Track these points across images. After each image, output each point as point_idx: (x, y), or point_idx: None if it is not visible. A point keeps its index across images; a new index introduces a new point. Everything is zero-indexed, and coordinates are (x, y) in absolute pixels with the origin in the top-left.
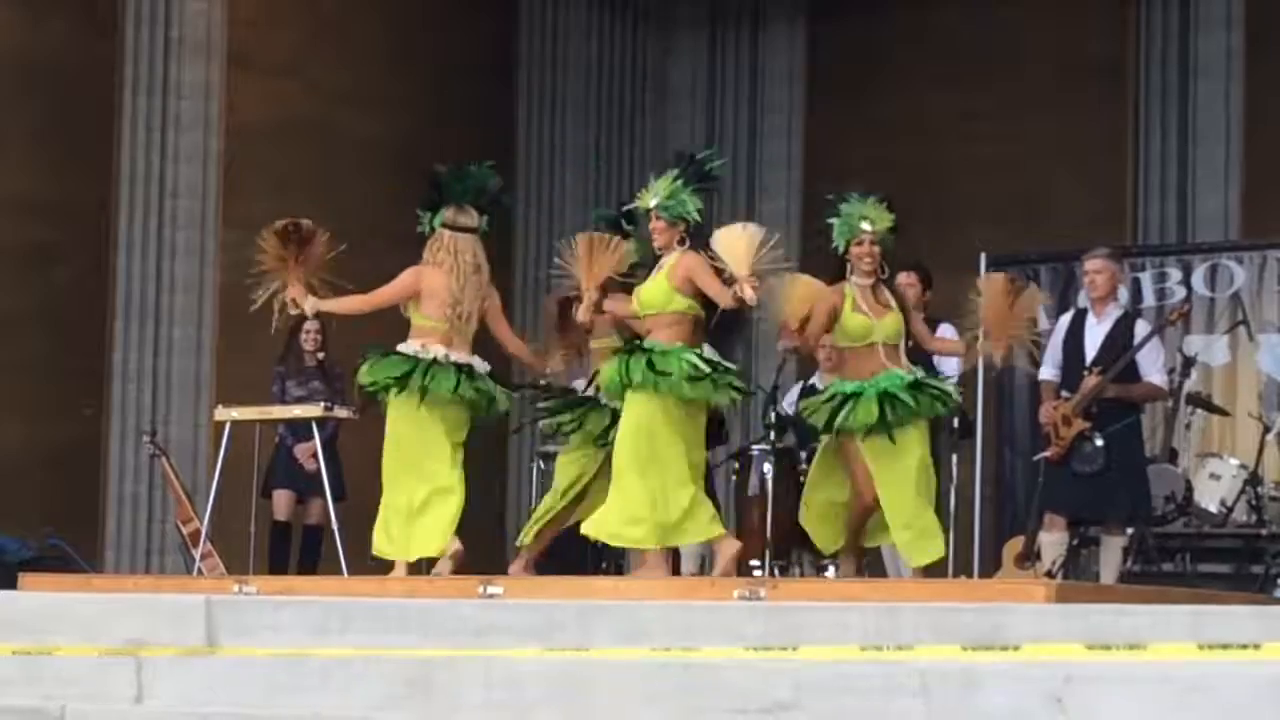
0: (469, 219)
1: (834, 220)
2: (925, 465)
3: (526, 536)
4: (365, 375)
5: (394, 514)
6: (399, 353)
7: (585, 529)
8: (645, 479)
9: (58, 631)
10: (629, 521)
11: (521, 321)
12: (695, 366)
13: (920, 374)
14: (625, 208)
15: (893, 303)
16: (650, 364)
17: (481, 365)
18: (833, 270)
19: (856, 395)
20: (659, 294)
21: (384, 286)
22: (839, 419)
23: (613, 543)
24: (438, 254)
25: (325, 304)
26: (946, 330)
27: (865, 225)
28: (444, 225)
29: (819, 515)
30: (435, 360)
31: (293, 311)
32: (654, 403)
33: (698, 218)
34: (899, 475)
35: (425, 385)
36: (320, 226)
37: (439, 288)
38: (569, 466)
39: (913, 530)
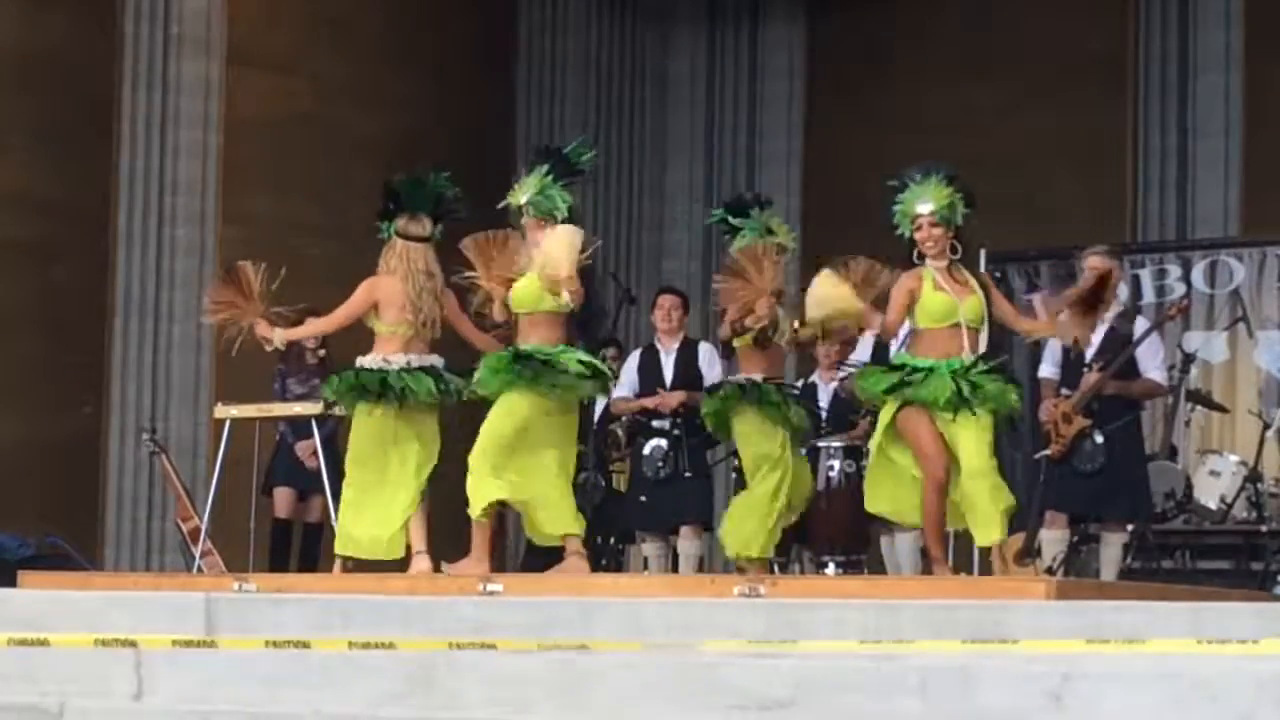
0: (420, 228)
1: (897, 207)
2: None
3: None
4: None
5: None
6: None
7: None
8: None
9: (57, 629)
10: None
11: None
12: (584, 365)
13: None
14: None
15: (973, 283)
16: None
17: (439, 361)
18: (902, 257)
19: (929, 370)
20: (531, 293)
21: (341, 305)
22: (908, 391)
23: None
24: (390, 261)
25: (292, 333)
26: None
27: (921, 208)
28: (396, 233)
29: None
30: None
31: (268, 349)
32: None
33: (566, 213)
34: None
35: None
36: (319, 223)
37: (395, 294)
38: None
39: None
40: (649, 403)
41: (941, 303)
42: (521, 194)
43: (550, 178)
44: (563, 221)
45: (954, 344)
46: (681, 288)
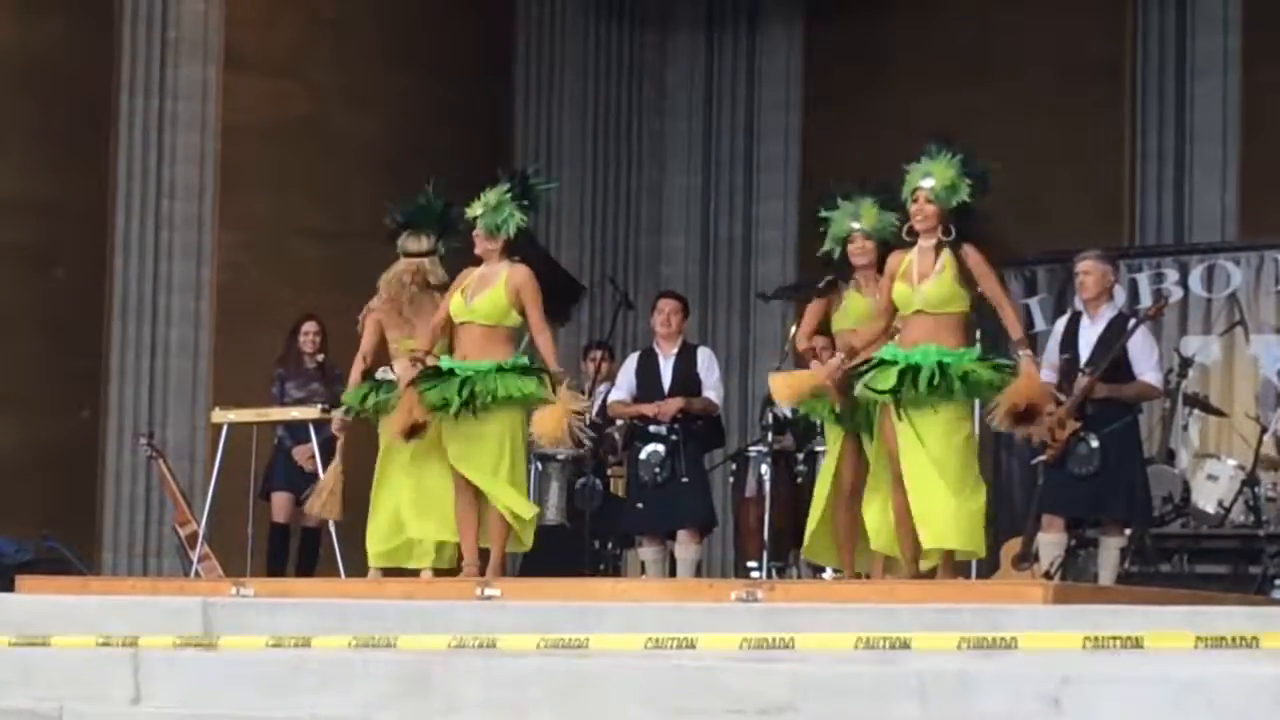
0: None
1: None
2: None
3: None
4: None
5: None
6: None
7: None
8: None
9: (54, 634)
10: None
11: None
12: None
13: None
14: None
15: (948, 268)
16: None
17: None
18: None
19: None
20: (498, 307)
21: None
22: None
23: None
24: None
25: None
26: None
27: (922, 182)
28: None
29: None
30: None
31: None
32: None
33: (510, 233)
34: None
35: None
36: (318, 226)
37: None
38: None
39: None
40: (647, 410)
41: (900, 292)
42: (478, 207)
43: (509, 196)
44: (510, 242)
45: (918, 332)
46: (680, 292)
